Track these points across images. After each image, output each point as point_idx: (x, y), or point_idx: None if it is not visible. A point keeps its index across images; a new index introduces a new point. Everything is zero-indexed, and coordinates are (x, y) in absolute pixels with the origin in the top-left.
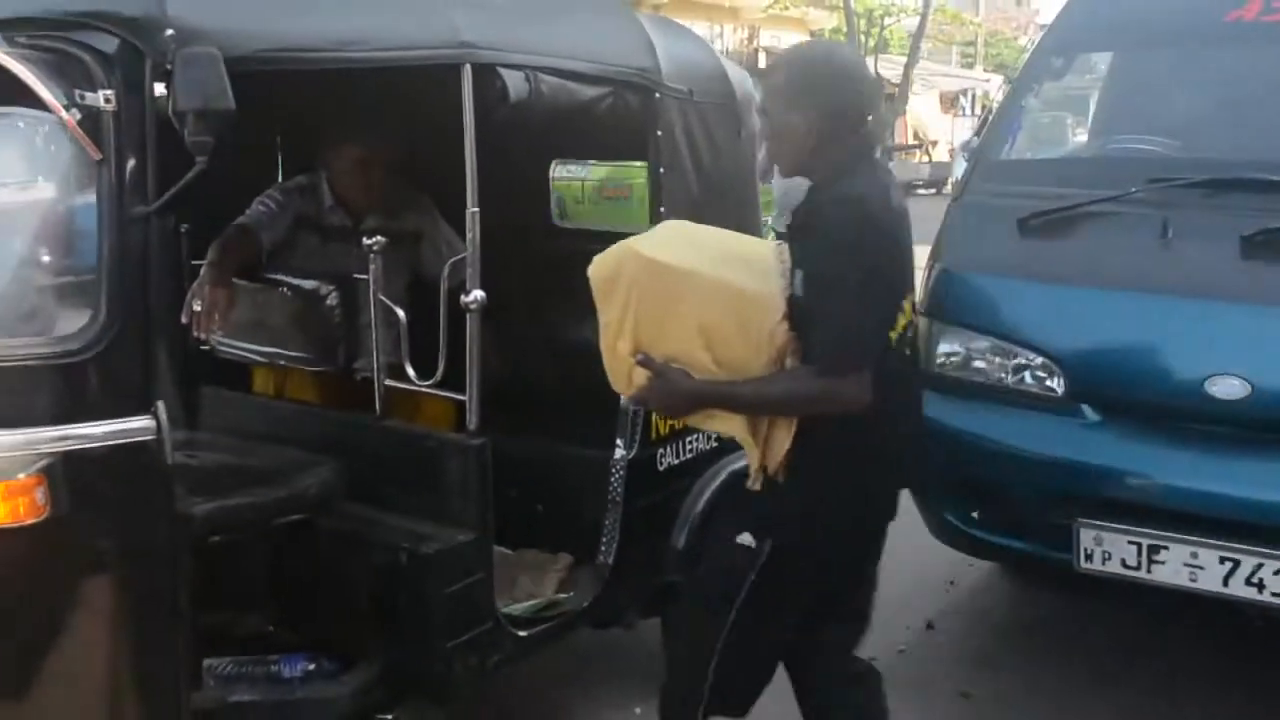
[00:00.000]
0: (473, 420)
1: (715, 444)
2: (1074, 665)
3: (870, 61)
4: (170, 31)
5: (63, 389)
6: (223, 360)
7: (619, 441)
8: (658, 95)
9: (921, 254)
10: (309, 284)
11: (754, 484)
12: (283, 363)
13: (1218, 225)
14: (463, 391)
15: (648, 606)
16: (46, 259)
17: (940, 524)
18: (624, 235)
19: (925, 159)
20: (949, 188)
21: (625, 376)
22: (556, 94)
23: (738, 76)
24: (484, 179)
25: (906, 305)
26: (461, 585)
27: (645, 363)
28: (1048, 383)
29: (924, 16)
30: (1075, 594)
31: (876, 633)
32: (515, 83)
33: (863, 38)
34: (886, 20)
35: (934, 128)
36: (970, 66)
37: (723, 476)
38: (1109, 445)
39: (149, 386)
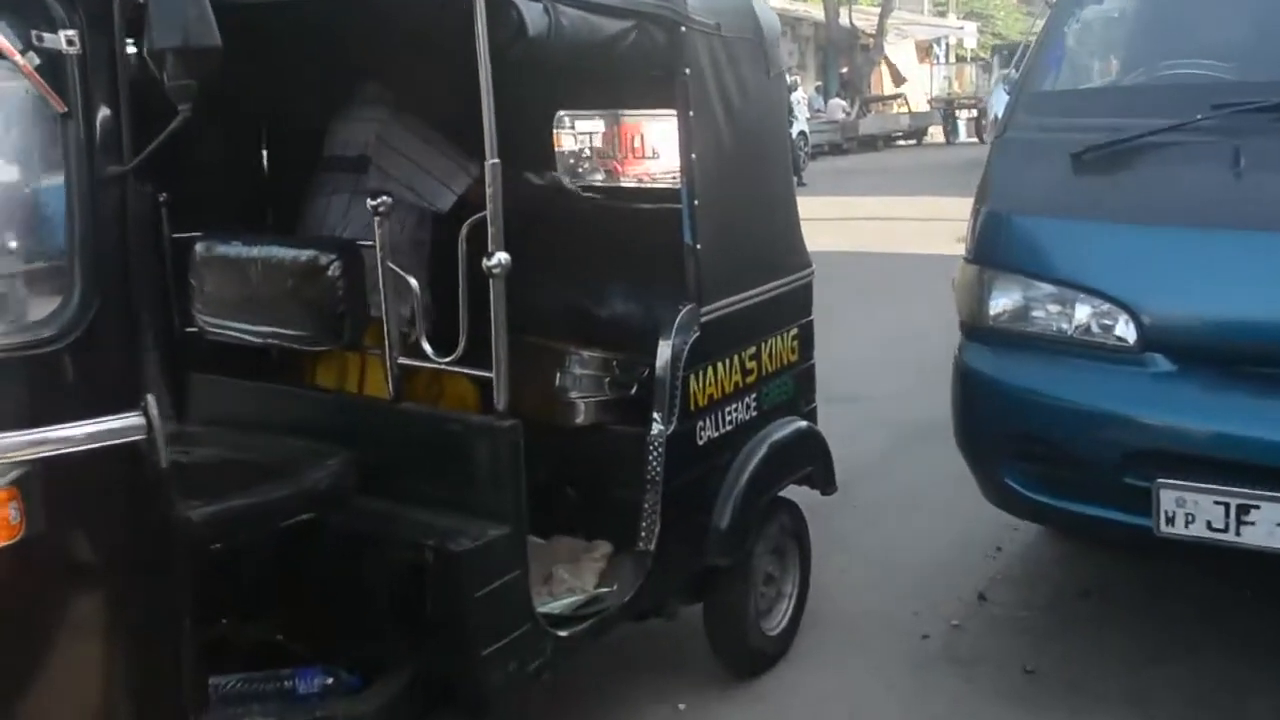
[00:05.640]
0: (501, 399)
1: (755, 413)
2: (1139, 634)
3: (844, 12)
4: None
5: (35, 385)
6: (215, 343)
7: (656, 415)
8: (684, 30)
9: (900, 206)
10: (306, 253)
11: None
12: (276, 342)
13: None
14: (487, 368)
15: (690, 593)
16: (9, 237)
17: (998, 489)
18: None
19: (904, 109)
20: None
21: None
22: (577, 28)
23: (764, 12)
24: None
25: None
26: (496, 585)
27: None
28: (1117, 331)
29: None
30: (1138, 558)
31: (927, 606)
32: (534, 16)
33: None
34: None
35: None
36: (943, 14)
37: (764, 449)
38: (1189, 397)
39: (135, 378)
